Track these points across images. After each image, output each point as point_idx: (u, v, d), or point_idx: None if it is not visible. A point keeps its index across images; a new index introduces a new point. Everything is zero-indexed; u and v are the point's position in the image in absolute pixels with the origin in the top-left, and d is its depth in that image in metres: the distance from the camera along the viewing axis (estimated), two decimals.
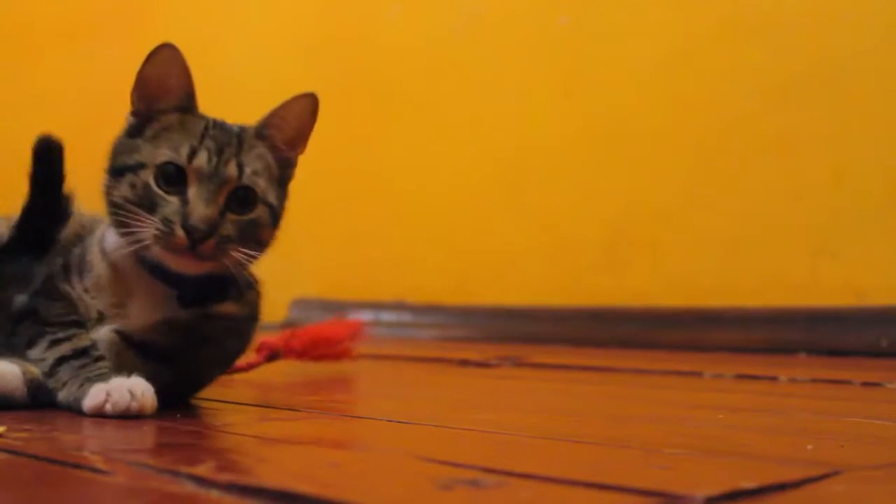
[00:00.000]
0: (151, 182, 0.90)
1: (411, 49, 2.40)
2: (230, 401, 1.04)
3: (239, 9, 2.74)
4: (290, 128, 0.97)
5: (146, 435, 0.80)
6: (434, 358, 1.69)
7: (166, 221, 0.88)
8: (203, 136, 0.91)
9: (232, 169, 0.91)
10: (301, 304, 2.43)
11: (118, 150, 0.94)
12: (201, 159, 0.90)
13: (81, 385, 0.87)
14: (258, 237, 0.93)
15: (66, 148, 1.00)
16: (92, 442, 0.75)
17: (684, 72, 2.04)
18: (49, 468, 0.66)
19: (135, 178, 0.90)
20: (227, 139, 0.92)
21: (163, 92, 0.94)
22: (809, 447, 0.76)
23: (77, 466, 0.65)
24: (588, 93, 2.16)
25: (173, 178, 0.90)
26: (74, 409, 0.87)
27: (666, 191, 2.05)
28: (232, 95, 2.69)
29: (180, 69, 0.93)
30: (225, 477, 0.60)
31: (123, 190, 0.91)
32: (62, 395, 0.89)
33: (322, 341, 1.39)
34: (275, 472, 0.63)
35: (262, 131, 0.96)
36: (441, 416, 0.94)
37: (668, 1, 2.08)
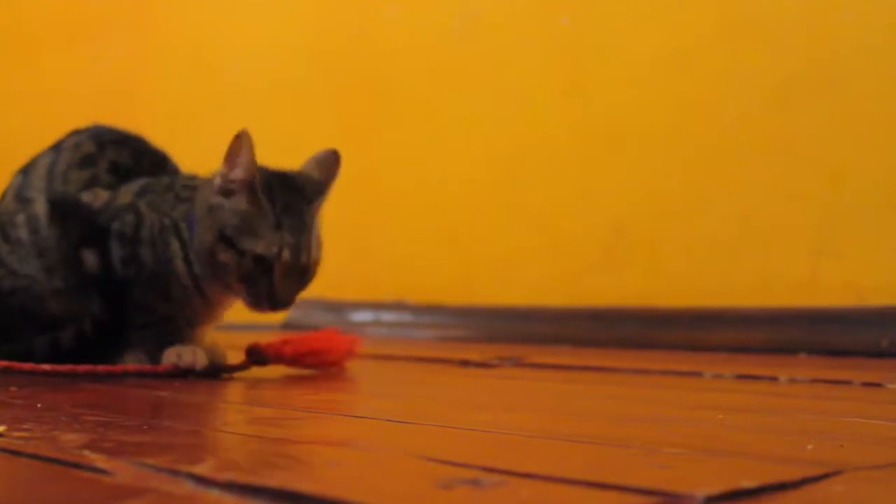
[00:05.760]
0: (250, 265, 1.19)
1: (411, 49, 2.40)
2: (229, 401, 1.04)
3: (239, 9, 2.74)
4: (327, 188, 1.29)
5: (146, 434, 0.80)
6: (434, 358, 1.69)
7: (257, 295, 1.20)
8: (281, 226, 1.19)
9: (306, 258, 1.22)
10: (301, 304, 2.41)
11: (228, 221, 1.19)
12: (285, 255, 1.19)
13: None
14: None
15: None
16: (92, 441, 0.75)
17: (684, 72, 2.04)
18: (49, 468, 0.66)
19: (239, 258, 1.19)
20: (300, 227, 1.21)
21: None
22: (809, 447, 0.76)
23: (77, 466, 0.65)
24: (588, 92, 2.16)
25: (263, 265, 1.19)
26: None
27: (666, 191, 2.05)
28: (232, 95, 2.70)
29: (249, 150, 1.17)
30: (225, 476, 0.60)
31: (228, 258, 1.19)
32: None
33: (315, 353, 1.38)
34: (274, 472, 0.63)
35: (316, 200, 1.26)
36: (441, 415, 0.94)
37: (668, 1, 2.08)
